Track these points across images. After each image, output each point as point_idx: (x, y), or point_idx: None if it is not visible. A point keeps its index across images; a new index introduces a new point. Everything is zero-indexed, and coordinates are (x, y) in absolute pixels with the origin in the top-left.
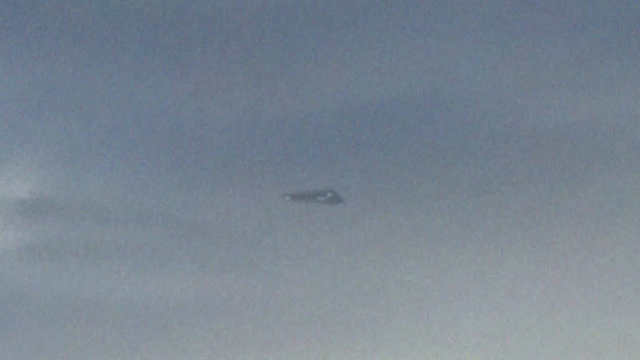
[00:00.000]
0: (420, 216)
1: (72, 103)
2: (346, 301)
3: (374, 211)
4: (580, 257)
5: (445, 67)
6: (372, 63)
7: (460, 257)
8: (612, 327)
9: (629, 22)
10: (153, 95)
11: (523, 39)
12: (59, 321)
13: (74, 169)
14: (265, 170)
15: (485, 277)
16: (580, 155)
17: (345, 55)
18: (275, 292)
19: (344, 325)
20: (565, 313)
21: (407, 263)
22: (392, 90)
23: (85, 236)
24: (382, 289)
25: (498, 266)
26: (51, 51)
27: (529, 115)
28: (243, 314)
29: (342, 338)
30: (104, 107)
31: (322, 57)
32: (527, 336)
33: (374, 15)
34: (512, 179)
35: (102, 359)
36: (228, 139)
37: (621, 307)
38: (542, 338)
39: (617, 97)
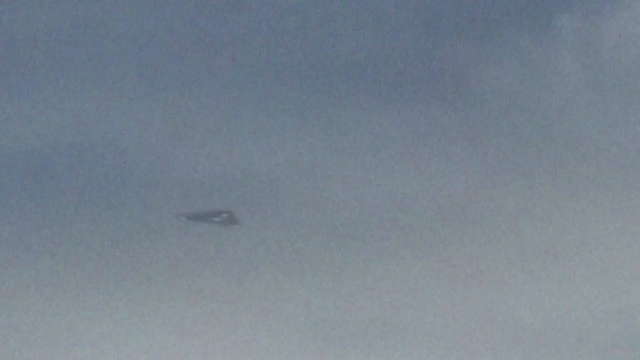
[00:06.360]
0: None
1: None
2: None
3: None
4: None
5: (94, 116)
6: (20, 112)
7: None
8: None
9: (276, 73)
10: None
11: (171, 89)
12: None
13: None
14: None
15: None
16: (243, 203)
17: None
18: None
19: None
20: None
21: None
22: (42, 139)
23: None
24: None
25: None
26: None
27: (178, 164)
28: None
29: None
30: None
31: None
32: None
33: (33, 63)
34: (160, 228)
35: None
36: None
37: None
38: None
39: (268, 145)
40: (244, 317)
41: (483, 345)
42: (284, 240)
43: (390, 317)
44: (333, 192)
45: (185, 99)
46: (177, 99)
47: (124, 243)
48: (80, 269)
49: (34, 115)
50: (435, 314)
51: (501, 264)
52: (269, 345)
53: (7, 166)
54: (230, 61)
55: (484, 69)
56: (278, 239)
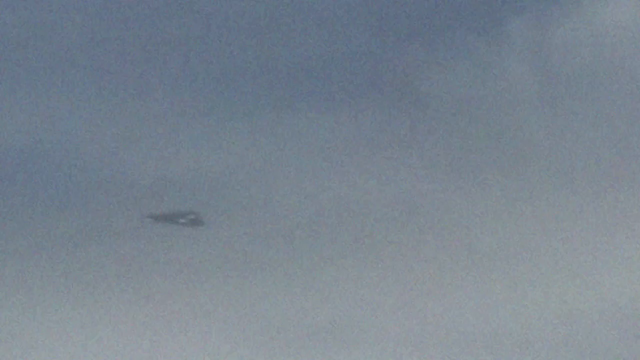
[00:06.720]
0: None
1: None
2: None
3: None
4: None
5: (46, 118)
6: None
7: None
8: None
9: (226, 76)
10: None
11: (123, 90)
12: None
13: None
14: None
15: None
16: (200, 206)
17: None
18: None
19: None
20: None
21: None
22: None
23: None
24: None
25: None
26: None
27: (129, 166)
28: None
29: None
30: None
31: None
32: None
33: None
34: (118, 228)
35: None
36: None
37: None
38: None
39: (218, 148)
40: (195, 319)
41: (434, 349)
42: (235, 243)
43: (343, 320)
44: (283, 195)
45: (138, 101)
46: (130, 101)
47: (81, 246)
48: (36, 272)
49: None
50: (386, 317)
51: (451, 268)
52: (224, 347)
53: None
54: (181, 63)
55: (433, 72)
56: (228, 242)
